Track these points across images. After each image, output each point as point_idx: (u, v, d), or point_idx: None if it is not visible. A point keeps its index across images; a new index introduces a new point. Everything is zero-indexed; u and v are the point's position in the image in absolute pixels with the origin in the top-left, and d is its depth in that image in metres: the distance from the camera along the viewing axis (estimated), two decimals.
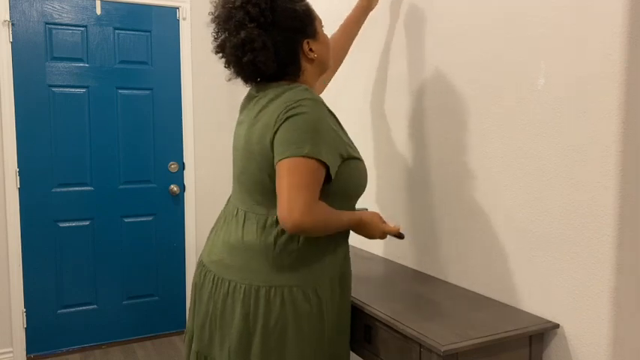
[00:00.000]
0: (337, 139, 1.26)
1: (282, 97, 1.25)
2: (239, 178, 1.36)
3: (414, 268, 1.79)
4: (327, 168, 1.22)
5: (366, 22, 1.95)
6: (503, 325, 1.27)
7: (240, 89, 3.51)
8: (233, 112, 3.47)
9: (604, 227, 1.17)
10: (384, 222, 1.40)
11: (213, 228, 1.44)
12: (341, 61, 1.79)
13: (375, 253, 1.99)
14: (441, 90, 1.64)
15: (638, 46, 1.12)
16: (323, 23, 1.41)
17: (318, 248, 1.29)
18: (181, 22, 3.26)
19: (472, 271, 1.55)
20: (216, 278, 1.32)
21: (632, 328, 1.20)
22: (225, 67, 1.34)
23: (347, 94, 2.14)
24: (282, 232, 1.26)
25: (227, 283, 1.29)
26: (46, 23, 2.97)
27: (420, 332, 1.22)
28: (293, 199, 1.15)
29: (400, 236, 1.47)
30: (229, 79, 1.37)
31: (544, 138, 1.30)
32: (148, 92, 3.24)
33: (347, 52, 1.80)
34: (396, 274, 1.71)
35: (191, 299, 1.43)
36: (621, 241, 1.16)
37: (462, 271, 1.59)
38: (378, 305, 1.39)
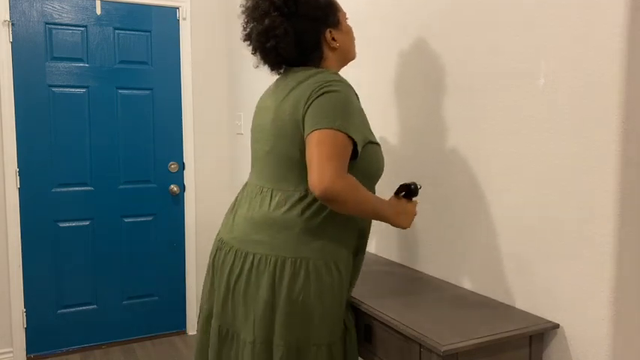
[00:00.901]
0: (365, 122, 1.35)
1: (313, 78, 1.32)
2: (266, 157, 1.41)
3: (414, 268, 1.79)
4: (354, 146, 1.28)
5: (368, 21, 1.95)
6: (503, 325, 1.27)
7: (241, 89, 3.51)
8: (233, 112, 3.47)
9: (604, 227, 1.17)
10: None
11: (231, 210, 1.49)
12: None
13: (375, 252, 1.99)
14: (441, 90, 1.64)
15: (638, 46, 1.12)
16: (347, 15, 1.49)
17: (340, 223, 1.35)
18: (181, 22, 3.26)
19: (472, 271, 1.55)
20: (239, 253, 1.37)
21: (632, 328, 1.20)
22: (252, 53, 1.43)
23: None
24: (308, 206, 1.32)
25: (252, 257, 1.34)
26: (46, 23, 2.97)
27: (420, 332, 1.22)
28: (323, 167, 1.20)
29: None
30: (256, 66, 1.46)
31: (544, 138, 1.30)
32: (148, 92, 3.24)
33: None
34: (396, 274, 1.71)
35: (208, 279, 1.48)
36: (621, 241, 1.16)
37: (462, 271, 1.59)
38: (378, 305, 1.40)
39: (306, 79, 1.32)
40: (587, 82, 1.19)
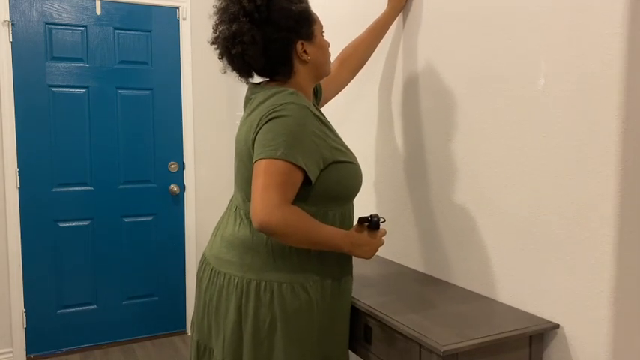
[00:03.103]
0: (320, 144, 1.27)
1: (268, 100, 1.28)
2: (234, 177, 1.42)
3: (414, 268, 1.79)
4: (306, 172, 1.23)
5: (362, 21, 1.95)
6: (503, 325, 1.27)
7: (241, 89, 3.52)
8: (233, 112, 3.47)
9: (604, 227, 1.17)
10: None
11: (217, 223, 1.49)
12: (365, 60, 1.81)
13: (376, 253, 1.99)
14: (441, 91, 1.64)
15: (637, 45, 1.12)
16: (324, 29, 1.44)
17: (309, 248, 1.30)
18: (181, 22, 3.26)
19: (472, 272, 1.55)
20: (213, 271, 1.38)
21: (632, 328, 1.20)
22: (218, 58, 1.38)
23: (348, 96, 2.14)
24: None
25: (222, 276, 1.34)
26: (46, 23, 2.97)
27: (420, 332, 1.22)
28: (262, 198, 1.16)
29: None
30: (224, 72, 1.41)
31: (544, 138, 1.30)
32: (148, 92, 3.24)
33: (373, 51, 1.83)
34: (397, 275, 1.71)
35: (195, 291, 1.49)
36: (621, 241, 1.16)
37: (461, 271, 1.59)
38: (378, 305, 1.39)
39: (265, 100, 1.28)
40: (586, 83, 1.19)
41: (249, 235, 1.32)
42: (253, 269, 1.30)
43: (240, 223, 1.35)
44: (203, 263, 1.44)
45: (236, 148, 1.37)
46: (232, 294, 1.31)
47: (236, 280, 1.31)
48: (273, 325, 1.28)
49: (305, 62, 1.36)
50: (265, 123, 1.23)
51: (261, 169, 1.19)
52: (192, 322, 1.50)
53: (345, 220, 1.38)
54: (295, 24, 1.31)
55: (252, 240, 1.31)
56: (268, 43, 1.29)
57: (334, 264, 1.36)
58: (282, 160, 1.18)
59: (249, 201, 1.32)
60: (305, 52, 1.35)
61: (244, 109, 1.43)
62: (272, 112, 1.23)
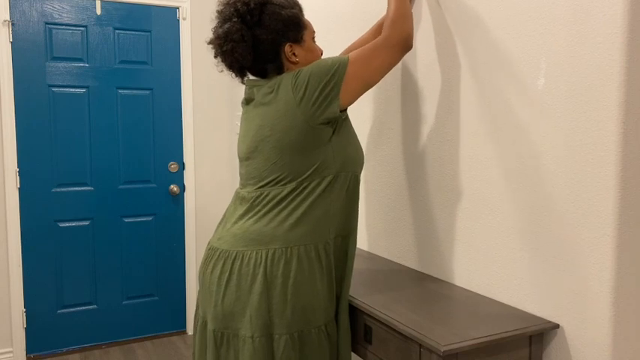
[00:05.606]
0: None
1: (284, 79, 1.39)
2: (248, 169, 1.46)
3: (414, 268, 1.79)
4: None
5: (364, 22, 1.95)
6: (503, 325, 1.27)
7: (241, 89, 3.52)
8: (233, 112, 3.47)
9: (604, 227, 1.17)
10: None
11: (221, 221, 1.53)
12: None
13: (376, 253, 1.99)
14: (441, 90, 1.64)
15: (638, 46, 1.12)
16: (315, 35, 1.56)
17: (324, 209, 1.40)
18: (181, 22, 3.26)
19: (472, 271, 1.55)
20: (228, 254, 1.40)
21: (632, 328, 1.20)
22: (214, 57, 1.48)
23: None
24: (290, 204, 1.38)
25: (241, 255, 1.38)
26: (46, 23, 2.97)
27: (420, 332, 1.22)
28: (382, 42, 1.42)
29: None
30: (221, 70, 1.52)
31: (544, 138, 1.30)
32: (148, 92, 3.24)
33: None
34: (397, 274, 1.71)
35: (200, 285, 1.49)
36: (621, 241, 1.16)
37: (461, 271, 1.59)
38: (378, 305, 1.40)
39: (280, 82, 1.39)
40: (586, 83, 1.19)
41: (264, 227, 1.37)
42: (275, 240, 1.36)
43: (253, 216, 1.40)
44: (212, 253, 1.44)
45: (259, 131, 1.42)
46: (259, 266, 1.35)
47: (261, 253, 1.36)
48: (301, 287, 1.35)
49: (294, 64, 1.47)
50: (298, 77, 1.36)
51: (353, 57, 1.38)
52: (198, 317, 1.49)
53: (350, 187, 1.46)
54: (284, 27, 1.43)
55: (267, 231, 1.37)
56: (257, 42, 1.41)
57: (344, 223, 1.47)
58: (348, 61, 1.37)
59: (269, 184, 1.41)
60: (294, 54, 1.46)
61: (248, 104, 1.49)
62: (297, 73, 1.37)
